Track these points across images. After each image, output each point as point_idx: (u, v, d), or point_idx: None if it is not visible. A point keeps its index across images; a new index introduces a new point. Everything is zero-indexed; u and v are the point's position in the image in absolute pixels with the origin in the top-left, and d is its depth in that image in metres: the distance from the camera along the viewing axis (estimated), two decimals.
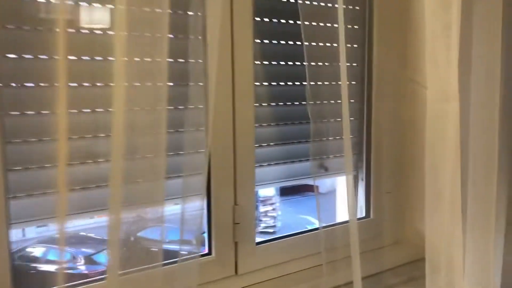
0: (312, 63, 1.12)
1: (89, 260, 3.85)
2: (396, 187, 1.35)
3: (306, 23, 1.10)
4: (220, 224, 1.06)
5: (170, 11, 0.94)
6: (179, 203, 0.83)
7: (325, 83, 1.17)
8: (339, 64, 0.97)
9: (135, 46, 0.68)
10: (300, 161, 1.22)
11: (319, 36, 1.15)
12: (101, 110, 0.87)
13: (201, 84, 0.89)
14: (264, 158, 1.15)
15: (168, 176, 0.92)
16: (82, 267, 3.79)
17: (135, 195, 0.71)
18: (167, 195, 0.90)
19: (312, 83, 1.11)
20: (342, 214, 1.71)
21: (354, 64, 1.30)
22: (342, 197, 1.63)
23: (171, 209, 0.89)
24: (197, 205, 0.82)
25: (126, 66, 0.67)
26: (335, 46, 1.13)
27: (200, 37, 0.92)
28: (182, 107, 0.92)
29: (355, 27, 1.29)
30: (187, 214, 0.81)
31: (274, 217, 7.58)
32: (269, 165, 1.17)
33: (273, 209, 7.55)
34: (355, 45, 1.29)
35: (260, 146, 1.14)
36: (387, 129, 1.32)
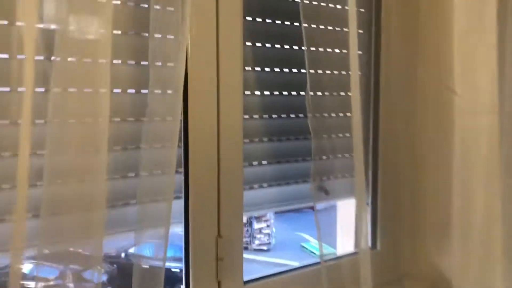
0: (314, 71, 0.99)
1: (77, 277, 3.77)
2: (408, 213, 1.18)
3: (307, 25, 0.97)
4: (200, 260, 0.89)
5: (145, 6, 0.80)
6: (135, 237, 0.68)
7: (326, 93, 1.02)
8: (343, 72, 0.83)
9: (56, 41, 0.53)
10: (297, 182, 1.06)
11: (323, 40, 1.02)
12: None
13: (169, 91, 0.72)
14: (254, 179, 0.99)
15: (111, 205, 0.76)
16: (70, 285, 3.70)
17: (59, 229, 0.54)
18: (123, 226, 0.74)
19: (311, 93, 0.97)
20: (342, 236, 1.53)
21: (358, 73, 1.14)
22: (343, 220, 1.46)
23: None
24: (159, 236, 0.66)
25: (41, 67, 0.51)
26: (340, 53, 1.03)
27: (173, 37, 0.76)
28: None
29: (360, 31, 1.14)
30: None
31: (268, 234, 7.48)
32: (260, 187, 1.00)
33: (268, 226, 7.44)
34: (359, 52, 1.14)
35: (250, 164, 0.98)
36: (397, 145, 1.17)
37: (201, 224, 0.88)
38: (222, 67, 0.90)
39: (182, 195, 0.89)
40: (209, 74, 0.88)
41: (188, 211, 0.87)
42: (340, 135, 1.04)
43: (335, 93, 1.04)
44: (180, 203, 0.89)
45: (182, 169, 0.88)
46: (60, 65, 0.53)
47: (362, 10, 1.15)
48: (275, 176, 1.03)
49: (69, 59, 0.53)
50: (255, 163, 1.00)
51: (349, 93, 0.93)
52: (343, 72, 1.02)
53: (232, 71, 0.91)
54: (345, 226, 1.29)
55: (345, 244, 1.28)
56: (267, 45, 1.00)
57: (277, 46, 1.02)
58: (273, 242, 7.21)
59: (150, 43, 0.71)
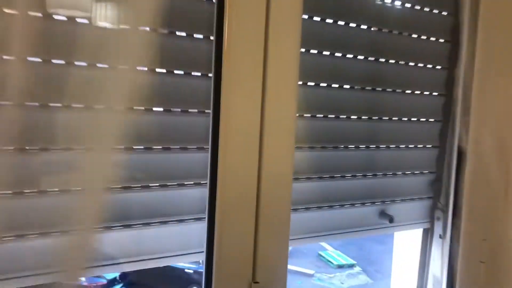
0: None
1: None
2: (496, 252, 0.90)
3: None
4: None
5: None
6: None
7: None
8: None
9: None
10: (353, 205, 0.81)
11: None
12: None
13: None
14: (299, 198, 0.75)
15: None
16: (82, 279, 3.73)
17: None
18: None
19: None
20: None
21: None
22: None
23: None
24: None
25: None
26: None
27: None
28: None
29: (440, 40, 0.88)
30: None
31: None
32: (306, 209, 0.76)
33: None
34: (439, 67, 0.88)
35: (297, 179, 0.74)
36: (484, 160, 0.89)
37: (230, 263, 0.63)
38: (271, 47, 0.65)
39: (206, 217, 0.64)
40: (253, 55, 0.63)
41: (212, 241, 0.63)
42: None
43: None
44: (202, 227, 0.64)
45: (207, 181, 0.64)
46: None
47: (444, 13, 0.88)
48: (325, 197, 0.78)
49: None
50: (302, 177, 0.75)
51: None
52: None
53: (284, 53, 0.66)
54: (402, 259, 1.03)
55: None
56: (329, 20, 0.76)
57: (341, 23, 0.77)
58: (289, 249, 7.04)
59: None
